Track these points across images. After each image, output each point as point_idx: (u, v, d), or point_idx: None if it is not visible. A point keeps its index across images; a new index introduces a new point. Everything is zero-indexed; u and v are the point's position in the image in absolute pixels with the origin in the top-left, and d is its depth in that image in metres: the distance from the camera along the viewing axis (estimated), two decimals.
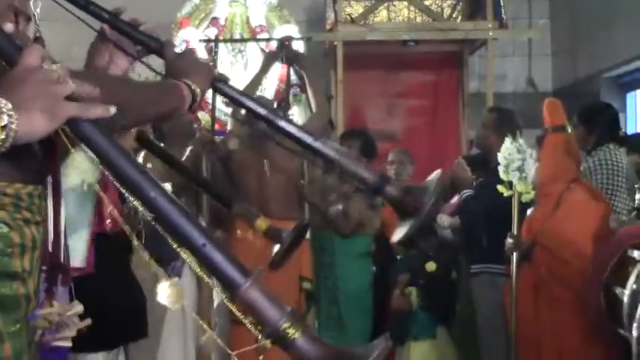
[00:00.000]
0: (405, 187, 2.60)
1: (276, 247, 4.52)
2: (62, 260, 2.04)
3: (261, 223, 4.37)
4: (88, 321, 2.10)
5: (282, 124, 2.55)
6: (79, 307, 2.05)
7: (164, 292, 1.65)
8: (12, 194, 1.81)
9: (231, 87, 2.55)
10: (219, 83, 2.48)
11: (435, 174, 2.94)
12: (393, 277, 6.17)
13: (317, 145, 2.49)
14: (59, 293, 2.04)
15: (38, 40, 2.10)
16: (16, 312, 1.84)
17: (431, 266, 5.97)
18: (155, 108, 2.14)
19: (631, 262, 4.08)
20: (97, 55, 2.37)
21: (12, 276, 1.83)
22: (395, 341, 6.05)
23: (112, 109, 1.61)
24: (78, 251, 3.41)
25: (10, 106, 1.52)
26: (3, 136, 1.51)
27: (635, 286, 3.96)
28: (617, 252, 4.17)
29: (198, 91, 2.21)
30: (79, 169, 2.60)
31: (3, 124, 1.51)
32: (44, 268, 1.95)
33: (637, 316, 3.86)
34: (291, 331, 1.56)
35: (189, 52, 2.41)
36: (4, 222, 1.80)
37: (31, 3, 1.97)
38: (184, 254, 1.63)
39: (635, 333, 3.86)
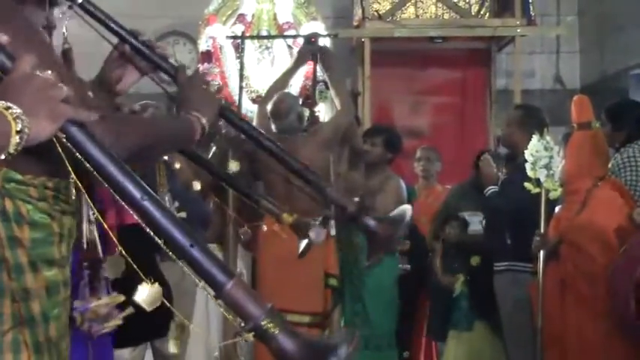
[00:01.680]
0: (380, 218, 2.69)
1: (302, 240, 4.63)
2: (98, 256, 2.17)
3: (287, 216, 4.48)
4: (130, 310, 2.25)
5: (282, 154, 2.65)
6: (120, 298, 2.18)
7: (142, 293, 1.75)
8: (52, 187, 1.94)
9: (235, 115, 2.71)
10: (226, 111, 2.62)
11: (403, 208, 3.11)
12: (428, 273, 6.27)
13: (307, 173, 2.60)
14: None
15: (68, 51, 2.22)
16: (57, 296, 1.98)
17: (475, 260, 6.01)
18: (175, 146, 2.43)
19: None
20: (111, 69, 2.48)
21: (52, 262, 1.96)
22: (436, 333, 6.17)
23: (94, 116, 1.72)
24: None
25: (20, 111, 1.58)
26: (18, 139, 1.58)
27: None
28: None
29: (206, 125, 2.32)
30: None
31: (18, 128, 1.57)
32: (85, 264, 2.09)
33: None
34: (271, 326, 1.67)
35: (198, 78, 2.50)
36: (47, 213, 1.94)
37: (61, 18, 2.08)
38: (173, 256, 1.73)
39: None
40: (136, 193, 1.70)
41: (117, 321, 2.34)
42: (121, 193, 1.71)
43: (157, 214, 1.70)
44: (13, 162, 1.76)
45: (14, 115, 1.57)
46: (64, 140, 1.68)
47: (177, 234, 1.70)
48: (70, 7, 2.27)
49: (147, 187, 1.73)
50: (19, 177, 1.87)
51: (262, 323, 1.67)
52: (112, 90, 2.48)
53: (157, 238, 1.72)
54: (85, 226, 2.10)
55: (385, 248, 2.78)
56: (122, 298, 2.34)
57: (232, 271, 1.75)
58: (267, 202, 4.59)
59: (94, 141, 1.70)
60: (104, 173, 1.70)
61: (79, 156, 1.70)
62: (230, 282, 1.69)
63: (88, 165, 1.71)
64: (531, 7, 8.49)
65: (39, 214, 1.92)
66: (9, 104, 1.58)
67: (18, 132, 1.57)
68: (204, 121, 2.31)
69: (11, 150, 1.58)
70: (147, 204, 1.70)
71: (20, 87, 1.62)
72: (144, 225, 1.72)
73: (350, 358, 1.72)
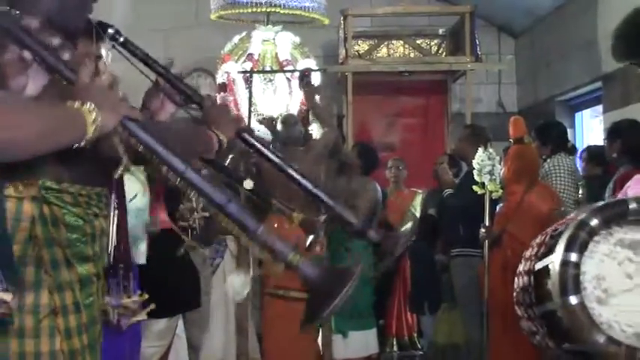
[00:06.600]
0: (384, 233, 2.56)
1: (310, 236, 4.62)
2: (130, 260, 2.12)
3: (297, 216, 4.47)
4: (152, 305, 2.21)
5: (291, 172, 2.57)
6: (145, 296, 2.15)
7: (233, 283, 1.81)
8: (85, 194, 1.90)
9: (254, 137, 2.58)
10: (244, 133, 2.50)
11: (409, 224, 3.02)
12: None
13: (315, 191, 2.51)
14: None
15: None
16: (90, 287, 1.93)
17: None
18: (194, 154, 2.20)
19: None
20: (151, 100, 2.36)
21: (86, 259, 1.91)
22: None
23: (142, 115, 1.77)
24: (141, 252, 3.48)
25: (93, 105, 1.62)
26: (93, 128, 1.61)
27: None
28: None
29: (224, 140, 2.28)
30: (135, 184, 2.64)
31: (93, 118, 1.61)
32: (121, 266, 2.05)
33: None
34: (296, 258, 1.75)
35: (221, 105, 2.46)
36: (80, 216, 1.88)
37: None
38: (220, 218, 1.75)
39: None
40: (180, 166, 1.74)
41: (142, 316, 2.28)
42: (169, 167, 1.75)
43: (197, 180, 1.75)
44: (52, 172, 1.79)
45: (90, 109, 1.61)
46: (123, 130, 1.72)
47: (215, 194, 1.75)
48: (113, 47, 2.19)
49: (187, 160, 1.77)
50: (55, 186, 1.82)
51: (289, 256, 1.73)
52: (153, 118, 2.35)
53: (200, 196, 1.75)
54: (113, 236, 2.06)
55: (390, 256, 2.65)
56: (146, 296, 2.28)
57: (260, 221, 1.80)
58: (279, 203, 4.58)
59: (146, 129, 1.74)
60: (156, 153, 1.74)
61: (135, 141, 1.73)
62: (260, 227, 1.75)
63: (142, 148, 1.74)
64: (478, 48, 8.52)
65: (73, 217, 1.87)
66: (83, 102, 1.62)
67: (93, 121, 1.61)
68: (222, 137, 2.28)
69: (89, 136, 1.62)
70: (189, 174, 1.75)
71: (87, 89, 1.66)
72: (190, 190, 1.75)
73: (357, 280, 1.77)
